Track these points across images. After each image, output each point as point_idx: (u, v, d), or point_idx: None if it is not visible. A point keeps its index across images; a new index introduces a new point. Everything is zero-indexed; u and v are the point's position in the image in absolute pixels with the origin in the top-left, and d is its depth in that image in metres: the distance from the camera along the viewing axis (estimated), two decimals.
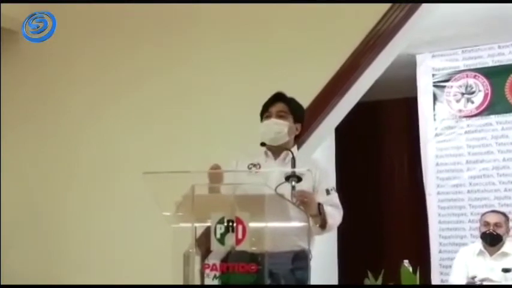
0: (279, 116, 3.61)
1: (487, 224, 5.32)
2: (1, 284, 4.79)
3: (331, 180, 3.71)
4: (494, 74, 6.39)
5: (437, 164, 6.57)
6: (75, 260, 4.99)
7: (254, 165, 3.59)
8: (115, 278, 4.62)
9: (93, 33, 5.25)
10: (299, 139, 3.81)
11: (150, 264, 4.44)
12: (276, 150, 3.62)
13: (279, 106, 3.65)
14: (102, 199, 4.96)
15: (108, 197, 4.92)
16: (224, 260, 2.87)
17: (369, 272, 4.18)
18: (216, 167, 3.33)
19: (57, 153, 5.21)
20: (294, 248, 3.31)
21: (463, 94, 6.53)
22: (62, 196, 5.13)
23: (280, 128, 3.58)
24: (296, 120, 3.69)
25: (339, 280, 6.10)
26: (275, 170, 3.47)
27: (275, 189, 3.02)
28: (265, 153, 3.63)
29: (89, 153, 5.12)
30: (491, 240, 5.27)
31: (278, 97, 3.69)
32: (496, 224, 5.28)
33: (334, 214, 3.48)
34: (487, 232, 5.28)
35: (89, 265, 4.92)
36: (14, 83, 5.39)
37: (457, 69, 6.59)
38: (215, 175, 3.28)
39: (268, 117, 3.63)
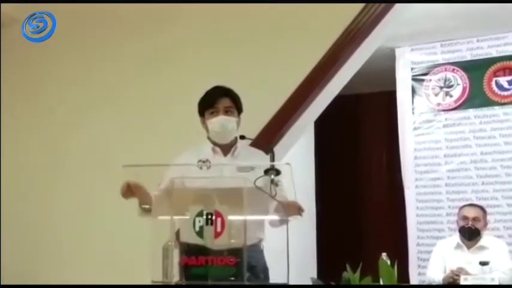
0: (228, 112, 3.49)
1: (465, 218, 5.29)
2: (1, 284, 4.75)
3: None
4: (473, 68, 6.40)
5: (415, 158, 6.58)
6: (62, 255, 5.00)
7: (204, 162, 3.39)
8: (99, 270, 4.68)
9: (85, 31, 5.23)
10: None
11: (131, 257, 4.44)
12: (224, 146, 3.53)
13: (226, 101, 3.50)
14: (91, 195, 4.96)
15: (97, 192, 4.91)
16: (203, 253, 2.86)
17: (347, 265, 4.18)
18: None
19: (47, 150, 5.20)
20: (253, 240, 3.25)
21: (441, 88, 6.55)
22: (51, 193, 5.13)
23: (232, 125, 3.48)
24: (239, 113, 3.57)
25: (318, 272, 6.12)
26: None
27: (254, 183, 3.00)
28: (213, 149, 3.52)
29: (78, 149, 5.11)
30: (470, 235, 5.24)
31: (224, 92, 3.54)
32: (475, 219, 5.26)
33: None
34: (466, 226, 5.26)
35: (77, 258, 4.93)
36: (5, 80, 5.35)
37: (435, 63, 6.59)
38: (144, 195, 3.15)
39: (215, 113, 3.48)
